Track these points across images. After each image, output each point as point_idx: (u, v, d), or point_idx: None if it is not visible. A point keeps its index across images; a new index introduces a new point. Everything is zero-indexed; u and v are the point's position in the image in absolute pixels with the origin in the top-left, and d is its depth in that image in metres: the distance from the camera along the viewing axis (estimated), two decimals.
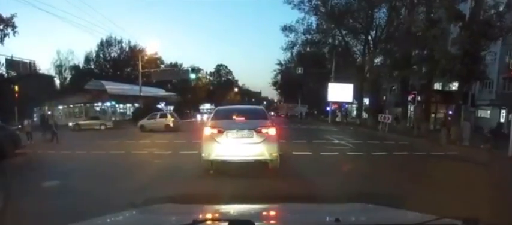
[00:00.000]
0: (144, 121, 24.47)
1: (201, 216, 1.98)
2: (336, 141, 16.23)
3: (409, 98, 26.18)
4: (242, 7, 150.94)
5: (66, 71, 55.87)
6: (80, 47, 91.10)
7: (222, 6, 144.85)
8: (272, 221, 2.07)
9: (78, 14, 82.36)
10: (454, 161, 11.13)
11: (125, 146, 13.30)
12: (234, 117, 7.77)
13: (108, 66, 55.21)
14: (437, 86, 29.63)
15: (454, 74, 19.36)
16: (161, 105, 51.93)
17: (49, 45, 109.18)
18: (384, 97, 40.66)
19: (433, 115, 29.37)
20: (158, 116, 24.59)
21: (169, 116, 24.51)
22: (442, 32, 20.49)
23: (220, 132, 7.27)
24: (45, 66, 53.37)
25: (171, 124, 23.13)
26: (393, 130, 23.06)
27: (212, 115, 8.68)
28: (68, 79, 55.37)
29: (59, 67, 54.95)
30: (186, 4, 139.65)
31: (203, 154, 7.43)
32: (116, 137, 17.40)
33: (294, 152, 10.86)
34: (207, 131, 7.42)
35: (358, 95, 36.59)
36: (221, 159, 7.40)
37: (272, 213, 2.19)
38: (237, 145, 7.20)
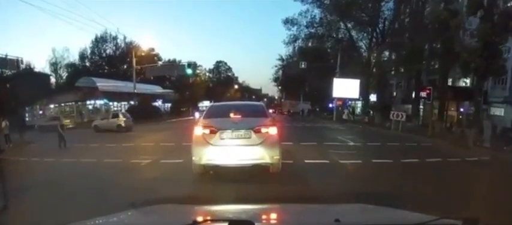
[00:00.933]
0: (97, 122, 25.20)
1: (201, 216, 1.93)
2: (351, 143, 14.22)
3: (423, 94, 24.38)
4: (242, 3, 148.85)
5: (61, 69, 54.47)
6: (76, 45, 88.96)
7: (222, 2, 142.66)
8: (272, 222, 2.01)
9: (75, 12, 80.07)
10: (500, 169, 9.26)
11: (98, 152, 11.31)
12: (230, 115, 6.68)
13: (103, 63, 53.44)
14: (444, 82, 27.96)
15: (473, 68, 18.18)
16: (158, 103, 50.35)
17: (46, 43, 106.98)
18: (394, 93, 38.98)
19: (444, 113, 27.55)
20: (110, 116, 25.38)
21: (121, 116, 25.08)
22: (459, 22, 19.37)
23: (212, 132, 6.41)
24: (42, 65, 51.94)
25: (123, 124, 23.50)
26: (406, 129, 21.30)
27: (204, 112, 7.75)
28: (65, 77, 53.61)
29: (54, 65, 53.33)
30: (185, 1, 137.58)
31: (194, 158, 6.58)
32: (83, 140, 15.48)
33: (306, 160, 8.82)
34: (198, 131, 6.52)
35: (364, 91, 34.83)
36: (214, 164, 6.56)
37: (272, 213, 2.15)
38: (233, 148, 6.36)
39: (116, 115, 25.25)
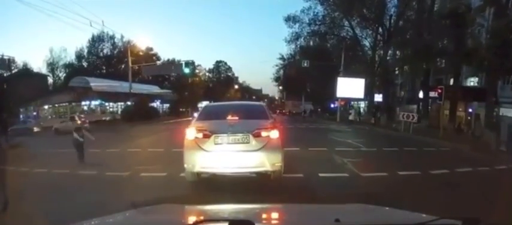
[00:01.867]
0: (58, 125, 26.58)
1: (201, 216, 1.97)
2: (364, 148, 12.71)
3: (434, 94, 23.21)
4: (243, 2, 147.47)
5: (58, 69, 53.20)
6: (74, 45, 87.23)
7: (222, 2, 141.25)
8: (272, 222, 2.02)
9: (74, 12, 78.46)
10: None
11: (73, 160, 9.71)
12: (226, 117, 6.06)
13: (100, 63, 52.17)
14: (452, 81, 26.75)
15: (486, 66, 17.56)
16: (156, 103, 49.10)
17: (44, 43, 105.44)
18: (402, 93, 37.71)
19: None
20: (68, 119, 27.25)
21: (76, 118, 25.80)
22: (473, 18, 18.33)
23: (206, 136, 5.82)
24: (39, 65, 50.77)
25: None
26: (415, 131, 20.06)
27: (198, 114, 7.18)
28: (63, 77, 52.25)
29: (51, 65, 51.93)
30: (185, 1, 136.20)
31: (186, 165, 6.00)
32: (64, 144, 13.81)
33: (320, 174, 7.28)
34: (190, 135, 5.92)
35: (369, 91, 33.54)
36: (208, 171, 5.99)
37: (272, 213, 2.16)
38: (229, 154, 5.76)
39: (72, 119, 26.51)
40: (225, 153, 5.75)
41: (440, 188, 6.61)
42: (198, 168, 5.88)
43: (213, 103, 9.20)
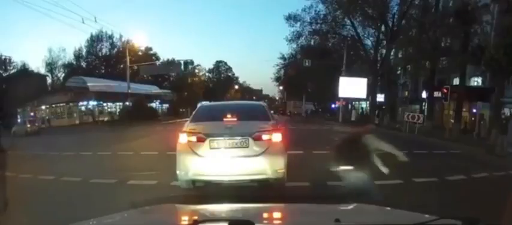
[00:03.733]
0: (15, 127, 28.29)
1: (201, 216, 1.98)
2: None
3: (439, 94, 22.78)
4: (243, 2, 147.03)
5: (57, 69, 52.63)
6: (73, 44, 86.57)
7: (223, 1, 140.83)
8: (272, 222, 2.03)
9: (71, 11, 77.97)
10: None
11: (65, 164, 9.33)
12: (223, 118, 5.56)
13: (98, 62, 51.60)
14: (455, 81, 26.24)
15: (495, 65, 16.44)
16: (155, 103, 48.54)
17: (44, 44, 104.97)
18: (406, 93, 37.18)
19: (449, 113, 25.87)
20: (22, 122, 30.18)
21: (27, 123, 29.55)
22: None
23: (200, 140, 5.33)
24: (38, 65, 50.25)
25: (28, 130, 27.53)
26: (422, 132, 19.67)
27: (192, 115, 6.50)
28: (62, 77, 51.77)
29: (50, 65, 51.31)
30: (185, 1, 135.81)
31: (178, 172, 5.54)
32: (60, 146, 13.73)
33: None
34: (183, 138, 5.46)
35: (371, 91, 33.04)
36: (203, 179, 5.50)
37: (272, 213, 2.14)
38: (226, 159, 5.30)
39: (24, 123, 29.87)
40: (221, 159, 5.29)
41: (462, 197, 5.96)
42: (191, 175, 5.41)
43: (208, 103, 8.57)
